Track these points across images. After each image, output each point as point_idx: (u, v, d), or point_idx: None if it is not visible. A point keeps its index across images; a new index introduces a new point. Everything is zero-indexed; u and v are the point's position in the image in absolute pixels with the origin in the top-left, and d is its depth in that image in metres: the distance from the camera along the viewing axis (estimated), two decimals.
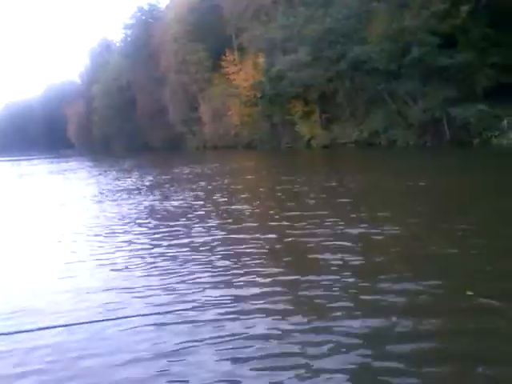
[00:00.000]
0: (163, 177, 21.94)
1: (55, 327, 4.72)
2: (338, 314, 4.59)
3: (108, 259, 7.29)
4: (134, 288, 5.80)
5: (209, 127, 47.51)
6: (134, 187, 17.91)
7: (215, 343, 4.17)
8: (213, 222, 9.55)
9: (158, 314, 4.91)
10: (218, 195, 13.67)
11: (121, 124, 66.96)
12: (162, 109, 56.63)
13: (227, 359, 3.89)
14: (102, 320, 4.81)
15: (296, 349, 3.98)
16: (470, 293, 4.76)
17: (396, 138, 29.48)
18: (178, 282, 5.91)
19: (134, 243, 8.23)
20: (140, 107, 61.69)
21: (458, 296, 4.78)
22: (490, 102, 23.80)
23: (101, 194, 16.40)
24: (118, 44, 73.37)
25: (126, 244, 8.24)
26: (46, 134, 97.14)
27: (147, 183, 19.35)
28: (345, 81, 32.33)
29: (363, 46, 28.63)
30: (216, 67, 45.66)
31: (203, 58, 48.52)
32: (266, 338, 4.22)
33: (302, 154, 33.34)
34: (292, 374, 3.63)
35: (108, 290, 5.84)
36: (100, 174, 27.24)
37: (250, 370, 3.73)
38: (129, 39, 64.70)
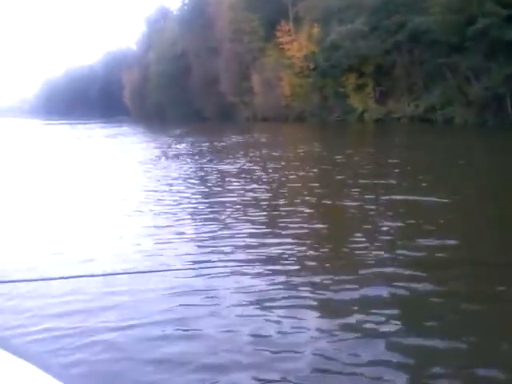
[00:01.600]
0: (215, 143, 22.29)
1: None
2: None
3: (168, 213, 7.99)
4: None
5: (260, 98, 47.10)
6: (187, 152, 18.38)
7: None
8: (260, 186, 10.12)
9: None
10: (266, 164, 13.79)
11: (174, 92, 67.51)
12: (215, 78, 56.57)
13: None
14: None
15: None
16: None
17: (454, 115, 28.17)
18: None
19: (192, 199, 9.12)
20: (194, 76, 61.88)
21: None
22: None
23: (157, 157, 17.00)
24: (174, 12, 73.46)
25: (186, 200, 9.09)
26: (103, 99, 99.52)
27: (201, 149, 19.76)
28: (403, 53, 31.00)
29: (424, 17, 27.24)
30: (270, 37, 44.90)
31: (257, 27, 47.80)
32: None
33: (353, 127, 32.57)
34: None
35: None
36: (155, 140, 27.83)
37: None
38: (185, 7, 64.59)
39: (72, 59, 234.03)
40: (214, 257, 5.55)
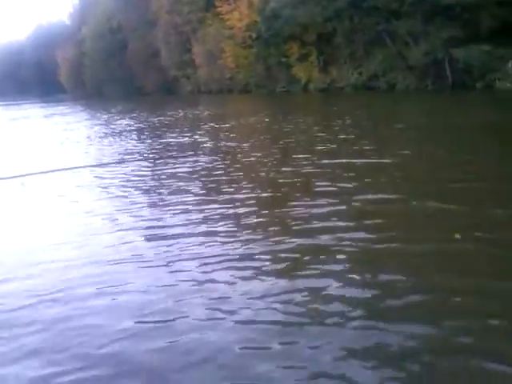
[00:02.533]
0: (159, 118, 21.53)
1: None
2: None
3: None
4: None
5: (203, 70, 45.99)
6: (130, 129, 17.61)
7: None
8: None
9: None
10: (210, 136, 13.44)
11: (113, 68, 64.87)
12: (154, 52, 54.70)
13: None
14: None
15: None
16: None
17: (396, 81, 28.50)
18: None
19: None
20: (132, 50, 59.58)
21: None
22: (494, 43, 22.67)
23: (95, 135, 16.22)
24: None
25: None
26: (37, 78, 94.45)
27: (144, 124, 19.12)
28: (343, 20, 30.80)
29: None
30: (210, 7, 43.63)
31: None
32: None
33: (298, 97, 32.38)
34: None
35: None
36: (92, 118, 26.61)
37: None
38: None
39: None
40: (148, 224, 5.69)
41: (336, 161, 8.48)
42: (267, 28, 34.48)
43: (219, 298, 3.61)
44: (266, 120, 17.51)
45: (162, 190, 7.45)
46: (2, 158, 12.43)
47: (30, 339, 3.26)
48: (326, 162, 8.51)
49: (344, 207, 5.68)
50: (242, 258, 4.37)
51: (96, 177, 8.90)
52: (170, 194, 7.13)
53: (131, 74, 61.59)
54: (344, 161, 8.41)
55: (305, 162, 8.57)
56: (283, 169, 8.27)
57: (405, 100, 23.72)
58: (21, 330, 3.38)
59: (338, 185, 6.74)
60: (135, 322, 3.34)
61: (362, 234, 4.72)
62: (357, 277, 3.80)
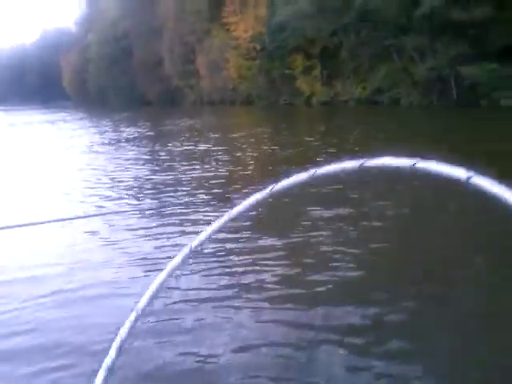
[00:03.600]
0: (160, 128, 21.35)
1: None
2: None
3: None
4: None
5: (206, 81, 45.79)
6: (131, 138, 17.33)
7: None
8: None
9: None
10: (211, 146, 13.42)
11: (116, 76, 64.81)
12: (158, 61, 54.59)
13: None
14: None
15: None
16: None
17: (400, 96, 28.17)
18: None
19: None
20: (136, 58, 59.52)
21: None
22: (502, 61, 22.37)
23: (94, 143, 15.98)
24: None
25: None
26: (41, 84, 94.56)
27: (145, 134, 18.95)
28: (350, 34, 30.60)
29: None
30: (216, 18, 43.55)
31: (203, 7, 46.23)
32: None
33: (300, 110, 32.08)
34: None
35: None
36: (96, 126, 26.33)
37: None
38: None
39: (3, 39, 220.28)
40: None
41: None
42: (272, 40, 34.33)
43: None
44: (267, 133, 17.17)
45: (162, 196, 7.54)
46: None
47: None
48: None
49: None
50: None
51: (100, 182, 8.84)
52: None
53: (134, 82, 61.51)
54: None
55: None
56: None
57: (408, 115, 23.34)
58: None
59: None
60: None
61: None
62: None
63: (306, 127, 20.55)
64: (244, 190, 7.52)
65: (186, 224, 5.70)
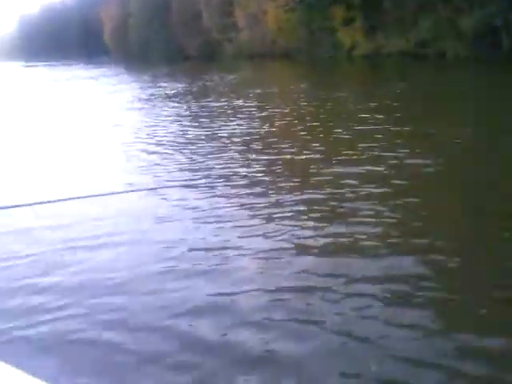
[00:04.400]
0: (202, 83, 21.61)
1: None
2: None
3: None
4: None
5: (245, 34, 45.08)
6: (173, 93, 17.63)
7: None
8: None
9: None
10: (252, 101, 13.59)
11: (156, 30, 64.53)
12: (197, 14, 53.90)
13: None
14: None
15: None
16: None
17: (446, 49, 27.04)
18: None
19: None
20: (175, 12, 58.93)
21: None
22: None
23: (135, 99, 16.33)
24: None
25: None
26: (82, 40, 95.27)
27: (187, 88, 19.25)
28: None
29: None
30: None
31: None
32: None
33: (339, 64, 31.38)
34: None
35: None
36: (137, 80, 26.71)
37: None
38: None
39: None
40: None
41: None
42: None
43: None
44: (306, 87, 17.06)
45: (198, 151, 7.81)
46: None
47: None
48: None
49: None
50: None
51: (137, 136, 9.46)
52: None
53: (174, 36, 61.16)
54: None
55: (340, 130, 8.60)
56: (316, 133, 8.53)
57: (458, 70, 22.49)
58: None
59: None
60: None
61: None
62: None
63: (346, 82, 20.22)
64: (277, 145, 7.79)
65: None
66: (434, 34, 27.59)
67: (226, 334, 2.79)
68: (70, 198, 5.00)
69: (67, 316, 3.11)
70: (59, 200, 5.00)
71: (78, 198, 5.11)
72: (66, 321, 3.05)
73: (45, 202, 4.03)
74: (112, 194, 5.38)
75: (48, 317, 3.09)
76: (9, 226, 4.77)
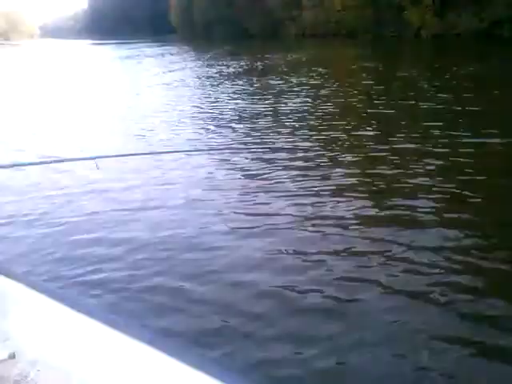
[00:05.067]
0: (264, 62, 21.71)
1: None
2: None
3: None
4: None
5: (309, 13, 44.46)
6: (234, 71, 17.86)
7: None
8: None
9: None
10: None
11: (221, 8, 64.82)
12: None
13: None
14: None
15: None
16: None
17: None
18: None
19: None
20: None
21: None
22: None
23: (199, 77, 16.76)
24: None
25: None
26: (149, 18, 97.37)
27: (249, 67, 19.43)
28: None
29: None
30: None
31: None
32: None
33: (407, 44, 30.30)
34: None
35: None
36: (198, 59, 27.14)
37: None
38: None
39: None
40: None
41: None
42: None
43: None
44: (370, 66, 16.71)
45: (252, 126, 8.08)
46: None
47: None
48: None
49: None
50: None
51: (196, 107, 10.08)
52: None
53: (238, 15, 61.23)
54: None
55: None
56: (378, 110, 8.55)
57: None
58: None
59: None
60: None
61: None
62: None
63: (414, 62, 19.57)
64: (336, 122, 7.81)
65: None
66: (509, 12, 26.04)
67: (288, 286, 3.00)
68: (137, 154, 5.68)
69: (143, 266, 3.35)
70: (126, 155, 5.55)
71: (147, 153, 5.79)
72: (143, 270, 3.30)
73: (110, 156, 4.24)
74: (176, 151, 6.12)
75: (124, 266, 3.38)
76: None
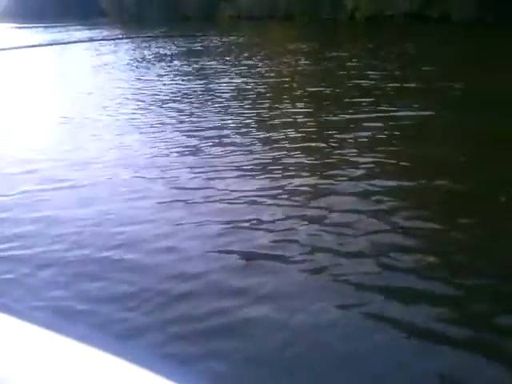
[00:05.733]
0: (200, 44, 21.21)
1: None
2: None
3: None
4: None
5: None
6: (170, 53, 17.23)
7: None
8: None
9: None
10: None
11: None
12: None
13: None
14: None
15: None
16: None
17: (450, 10, 26.26)
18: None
19: None
20: None
21: None
22: None
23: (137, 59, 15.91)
24: None
25: None
26: (77, 0, 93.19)
27: (183, 50, 18.76)
28: None
29: None
30: None
31: None
32: None
33: (342, 26, 30.61)
34: None
35: None
36: (133, 42, 26.12)
37: None
38: None
39: None
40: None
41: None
42: None
43: None
44: (306, 47, 16.64)
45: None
46: None
47: None
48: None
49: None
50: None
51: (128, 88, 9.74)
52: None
53: None
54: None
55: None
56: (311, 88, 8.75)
57: (462, 33, 21.92)
58: None
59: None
60: None
61: None
62: None
63: (348, 42, 19.73)
64: (269, 100, 7.73)
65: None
66: None
67: (295, 261, 3.08)
68: None
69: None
70: None
71: None
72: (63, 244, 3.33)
73: None
74: None
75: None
76: None
